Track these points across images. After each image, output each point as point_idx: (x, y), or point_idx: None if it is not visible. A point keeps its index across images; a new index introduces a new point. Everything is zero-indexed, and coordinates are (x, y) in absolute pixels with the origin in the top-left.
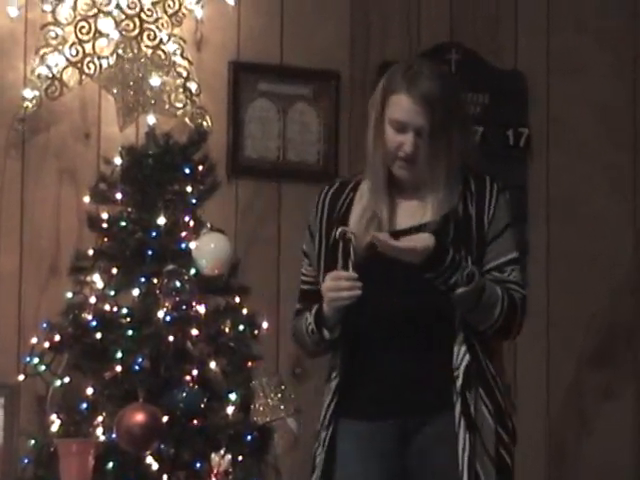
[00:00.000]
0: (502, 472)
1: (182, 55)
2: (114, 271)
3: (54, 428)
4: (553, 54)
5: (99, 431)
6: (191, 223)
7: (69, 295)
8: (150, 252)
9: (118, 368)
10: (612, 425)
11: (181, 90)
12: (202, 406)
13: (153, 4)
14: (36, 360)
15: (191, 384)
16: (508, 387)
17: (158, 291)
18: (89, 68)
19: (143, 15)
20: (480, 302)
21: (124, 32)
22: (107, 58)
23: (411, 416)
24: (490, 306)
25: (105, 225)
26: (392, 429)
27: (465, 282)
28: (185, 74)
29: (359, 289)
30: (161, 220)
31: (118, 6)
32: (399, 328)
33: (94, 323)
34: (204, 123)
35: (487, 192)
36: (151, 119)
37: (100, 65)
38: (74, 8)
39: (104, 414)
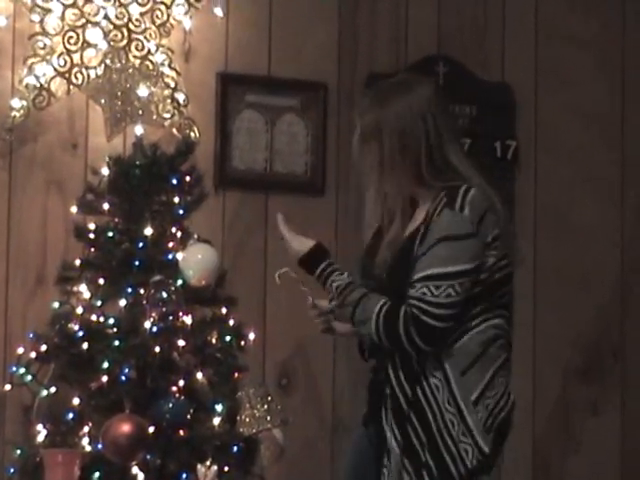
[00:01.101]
0: None
1: (170, 66)
2: (101, 281)
3: (40, 438)
4: (540, 66)
5: (85, 441)
6: (178, 234)
7: (56, 305)
8: (137, 262)
9: (104, 378)
10: (598, 440)
11: (169, 101)
12: (188, 417)
13: (141, 15)
14: (22, 370)
15: (177, 395)
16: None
17: (145, 301)
18: (77, 78)
19: (131, 25)
20: (354, 317)
21: (112, 42)
22: (95, 68)
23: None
24: (363, 321)
25: (92, 235)
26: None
27: (335, 296)
28: (173, 85)
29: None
30: (148, 231)
31: (106, 17)
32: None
33: (80, 333)
34: (192, 134)
35: (433, 208)
36: (139, 129)
37: (88, 75)
38: (62, 18)
39: (90, 424)
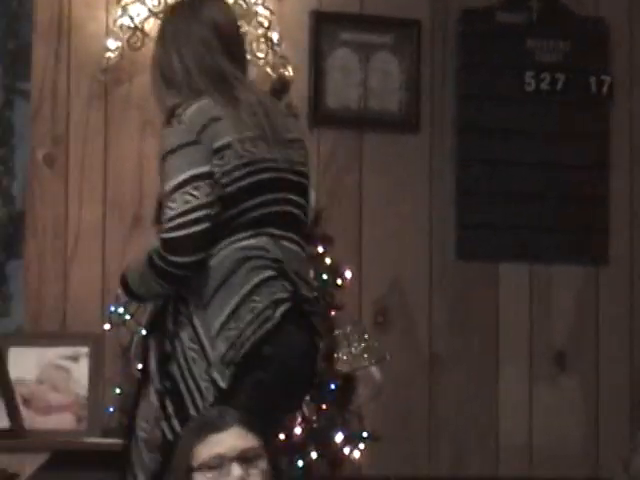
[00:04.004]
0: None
1: (263, 5)
2: None
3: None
4: (636, 0)
5: None
6: None
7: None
8: None
9: None
10: None
11: (262, 40)
12: None
13: None
14: (121, 310)
15: None
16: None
17: None
18: None
19: None
20: (149, 288)
21: None
22: None
23: None
24: (150, 281)
25: None
26: None
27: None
28: (266, 24)
29: None
30: None
31: None
32: None
33: None
34: (286, 73)
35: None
36: None
37: None
38: None
39: None
